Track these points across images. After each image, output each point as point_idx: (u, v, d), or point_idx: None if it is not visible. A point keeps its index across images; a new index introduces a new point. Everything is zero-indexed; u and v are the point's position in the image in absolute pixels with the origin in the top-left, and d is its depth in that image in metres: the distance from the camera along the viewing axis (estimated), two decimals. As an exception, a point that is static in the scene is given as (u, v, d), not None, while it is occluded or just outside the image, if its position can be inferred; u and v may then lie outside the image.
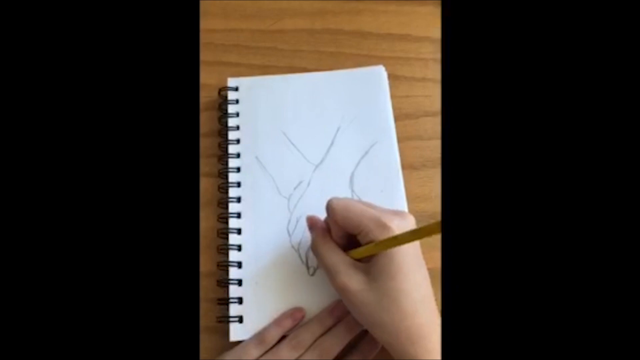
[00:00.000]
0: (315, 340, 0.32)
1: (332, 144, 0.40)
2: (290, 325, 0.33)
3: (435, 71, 0.45)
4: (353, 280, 0.29)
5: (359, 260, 0.30)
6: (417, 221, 0.31)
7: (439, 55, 0.45)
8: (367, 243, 0.29)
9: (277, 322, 0.33)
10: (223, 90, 0.42)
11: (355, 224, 0.29)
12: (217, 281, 0.36)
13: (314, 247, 0.32)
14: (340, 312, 0.33)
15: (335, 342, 0.32)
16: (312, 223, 0.33)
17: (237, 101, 0.42)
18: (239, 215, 0.37)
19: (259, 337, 0.32)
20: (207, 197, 0.39)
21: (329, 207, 0.30)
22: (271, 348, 0.32)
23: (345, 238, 0.31)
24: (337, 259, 0.30)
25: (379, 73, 0.43)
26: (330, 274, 0.30)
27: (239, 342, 0.34)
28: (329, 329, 0.33)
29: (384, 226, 0.28)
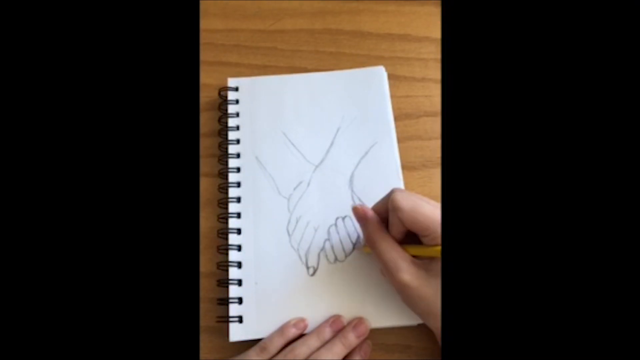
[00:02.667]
0: (311, 354, 0.32)
1: (332, 144, 0.40)
2: (294, 334, 0.33)
3: (435, 71, 0.45)
4: (414, 277, 0.29)
5: (415, 256, 0.30)
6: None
7: (439, 55, 0.45)
8: (432, 245, 0.29)
9: (280, 331, 0.33)
10: (223, 90, 0.42)
11: (423, 226, 0.29)
12: (217, 281, 0.36)
13: (370, 242, 0.32)
14: (338, 327, 0.33)
15: (331, 357, 0.32)
16: (362, 215, 0.32)
17: (237, 101, 0.42)
18: (238, 216, 0.37)
19: (262, 345, 0.32)
20: (207, 197, 0.39)
21: (395, 205, 0.29)
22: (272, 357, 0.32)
23: (404, 234, 0.31)
24: (397, 255, 0.30)
25: (379, 73, 0.43)
26: (391, 271, 0.30)
27: (238, 343, 0.34)
28: (326, 343, 0.33)
29: None
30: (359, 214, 0.32)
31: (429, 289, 0.29)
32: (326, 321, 0.33)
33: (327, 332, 0.33)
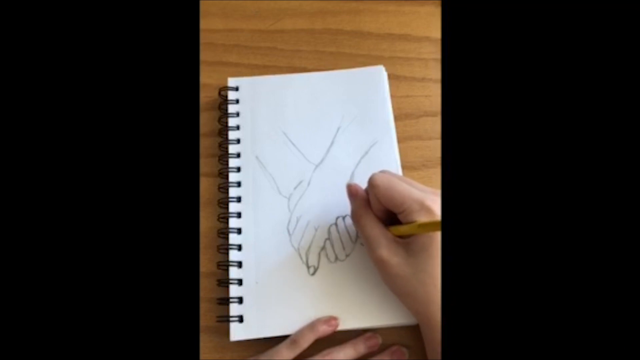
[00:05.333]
0: None
1: (332, 143, 0.40)
2: (324, 331, 0.33)
3: (435, 71, 0.45)
4: (393, 254, 0.30)
5: (397, 237, 0.31)
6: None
7: (439, 55, 0.45)
8: (407, 222, 0.29)
9: (311, 326, 0.33)
10: (223, 90, 0.42)
11: (398, 202, 0.30)
12: (217, 281, 0.36)
13: (355, 217, 0.33)
14: (374, 343, 0.33)
15: None
16: (354, 191, 0.33)
17: (237, 101, 0.42)
18: (239, 215, 0.37)
19: (293, 339, 0.33)
20: (207, 197, 0.39)
21: (371, 183, 0.31)
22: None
23: (384, 212, 0.32)
24: (379, 232, 0.31)
25: (379, 73, 0.43)
26: (371, 246, 0.31)
27: (239, 342, 0.34)
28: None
29: (427, 209, 0.29)
30: (351, 190, 0.33)
31: (407, 268, 0.29)
32: (363, 337, 0.34)
33: (362, 348, 0.33)
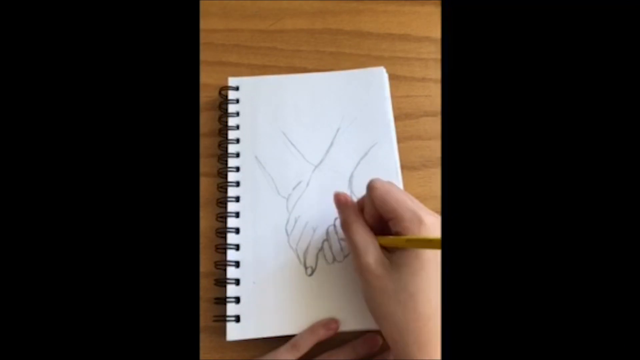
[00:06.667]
0: None
1: (331, 144, 0.40)
2: (324, 334, 0.33)
3: (435, 71, 0.44)
4: (379, 264, 0.29)
5: (384, 248, 0.30)
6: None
7: (439, 55, 0.45)
8: (397, 231, 0.29)
9: (310, 330, 0.33)
10: (224, 89, 0.42)
11: (391, 208, 0.29)
12: (215, 280, 0.36)
13: (344, 225, 0.32)
14: (373, 344, 0.33)
15: None
16: (343, 200, 0.33)
17: (237, 101, 0.42)
18: (237, 215, 0.37)
19: (293, 343, 0.33)
20: (206, 197, 0.39)
21: (371, 184, 0.31)
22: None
23: (375, 219, 0.31)
24: (369, 239, 0.30)
25: (380, 74, 0.42)
26: (358, 252, 0.30)
27: (238, 342, 0.34)
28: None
29: (419, 220, 0.28)
30: (340, 199, 0.33)
31: (389, 282, 0.28)
32: (362, 338, 0.34)
33: (361, 349, 0.33)
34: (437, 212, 0.38)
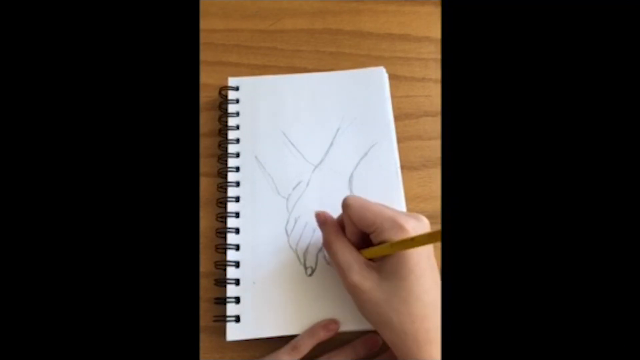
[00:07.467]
0: None
1: (331, 144, 0.40)
2: (324, 336, 0.33)
3: (435, 71, 0.44)
4: (365, 279, 0.29)
5: (370, 259, 0.30)
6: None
7: (439, 55, 0.45)
8: (380, 242, 0.29)
9: (310, 332, 0.33)
10: (224, 89, 0.42)
11: (370, 222, 0.29)
12: (215, 280, 0.36)
13: (326, 244, 0.32)
14: (373, 344, 0.33)
15: None
16: (322, 219, 0.33)
17: (237, 101, 0.42)
18: (237, 215, 0.37)
19: (293, 344, 0.32)
20: (206, 197, 0.39)
21: (345, 204, 0.30)
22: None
23: (358, 236, 0.31)
24: (351, 257, 0.30)
25: (380, 74, 0.42)
26: (343, 272, 0.30)
27: (238, 343, 0.34)
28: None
29: (399, 227, 0.28)
30: (320, 218, 0.33)
31: (380, 293, 0.28)
32: (362, 339, 0.33)
33: (361, 350, 0.33)
34: (437, 212, 0.39)
